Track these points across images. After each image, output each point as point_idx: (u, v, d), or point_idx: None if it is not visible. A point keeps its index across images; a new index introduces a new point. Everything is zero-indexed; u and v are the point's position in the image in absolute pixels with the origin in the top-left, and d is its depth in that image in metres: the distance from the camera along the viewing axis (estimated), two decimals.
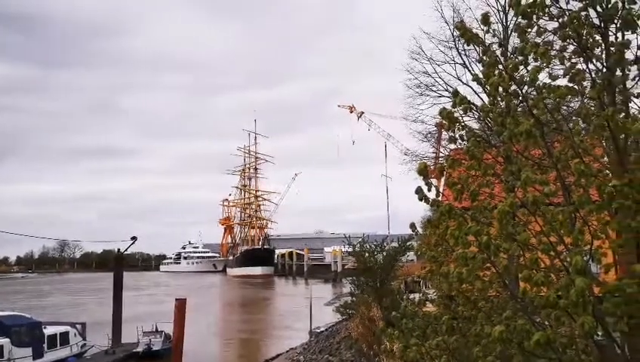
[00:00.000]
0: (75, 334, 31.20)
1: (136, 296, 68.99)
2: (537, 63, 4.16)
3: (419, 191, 4.53)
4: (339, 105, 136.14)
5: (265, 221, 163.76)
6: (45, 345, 28.32)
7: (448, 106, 4.60)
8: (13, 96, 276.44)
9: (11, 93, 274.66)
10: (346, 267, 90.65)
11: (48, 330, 29.24)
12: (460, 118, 4.57)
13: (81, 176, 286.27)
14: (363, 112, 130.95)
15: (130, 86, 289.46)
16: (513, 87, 4.24)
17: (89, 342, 32.49)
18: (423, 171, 4.47)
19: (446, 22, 21.75)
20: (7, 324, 26.78)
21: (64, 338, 30.08)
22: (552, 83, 4.23)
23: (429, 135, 26.18)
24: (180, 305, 25.19)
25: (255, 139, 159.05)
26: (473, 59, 20.36)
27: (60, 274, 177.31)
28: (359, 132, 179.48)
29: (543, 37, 4.42)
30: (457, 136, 4.55)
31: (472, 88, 18.46)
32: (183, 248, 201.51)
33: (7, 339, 26.06)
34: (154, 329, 33.16)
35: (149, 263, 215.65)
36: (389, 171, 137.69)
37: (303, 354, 28.29)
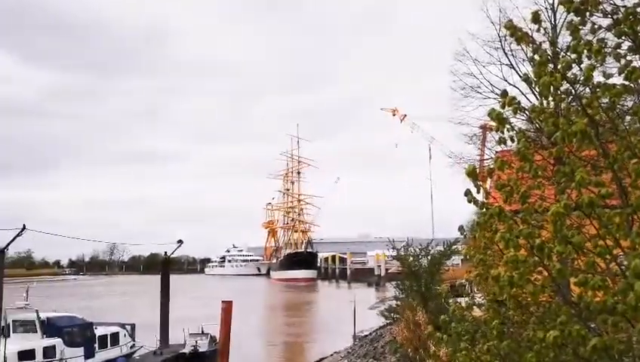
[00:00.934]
0: (124, 335, 31.91)
1: (183, 298, 70.14)
2: (591, 61, 4.05)
3: (468, 193, 4.46)
4: (382, 109, 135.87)
5: (308, 224, 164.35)
6: (96, 345, 29.03)
7: (495, 108, 4.52)
8: (66, 104, 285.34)
9: (64, 100, 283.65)
10: (389, 271, 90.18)
11: (99, 331, 29.96)
12: (509, 118, 4.48)
13: (129, 180, 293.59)
14: (406, 115, 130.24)
15: (175, 92, 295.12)
16: (565, 86, 4.14)
17: (138, 343, 33.19)
18: (472, 173, 4.40)
19: (492, 22, 21.39)
20: (59, 325, 27.56)
21: (114, 339, 30.80)
22: (607, 81, 4.11)
23: (473, 137, 25.77)
24: (227, 308, 25.49)
25: (297, 143, 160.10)
26: (520, 60, 19.95)
27: (109, 277, 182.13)
28: (402, 135, 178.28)
29: (596, 34, 4.30)
30: (507, 137, 4.46)
31: (519, 89, 18.10)
32: (228, 251, 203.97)
33: (60, 339, 26.81)
34: (200, 331, 33.65)
35: (195, 266, 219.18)
36: (433, 175, 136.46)
37: (347, 358, 28.24)
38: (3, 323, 24.13)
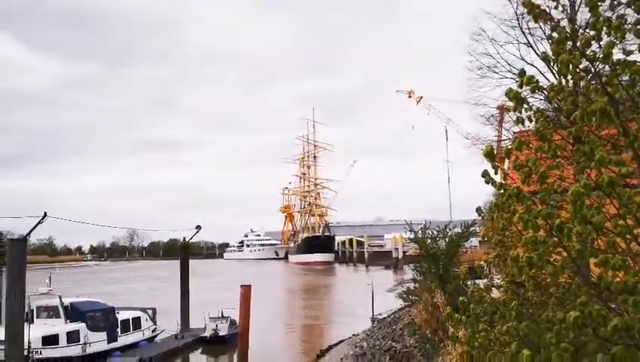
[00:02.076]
0: (146, 319, 32.36)
1: (202, 282, 70.89)
2: (610, 38, 3.97)
3: (485, 174, 4.42)
4: (397, 91, 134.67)
5: (324, 208, 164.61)
6: (119, 330, 29.49)
7: (512, 87, 4.46)
8: (80, 94, 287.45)
9: (77, 90, 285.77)
10: (407, 253, 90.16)
11: (121, 315, 30.41)
12: (527, 98, 4.43)
13: (146, 168, 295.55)
14: (422, 97, 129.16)
15: (189, 80, 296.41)
16: (584, 63, 4.07)
17: (159, 327, 33.66)
18: (490, 154, 4.36)
19: (509, 0, 21.06)
20: (82, 310, 28.01)
21: (136, 323, 31.26)
22: (627, 58, 4.03)
23: (491, 118, 25.54)
24: (246, 291, 25.71)
25: (314, 127, 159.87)
26: (538, 38, 19.66)
27: (129, 262, 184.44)
28: (418, 117, 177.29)
29: (615, 10, 4.21)
30: (525, 117, 4.41)
31: (537, 68, 17.88)
32: (246, 236, 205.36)
33: (83, 324, 27.26)
34: (220, 315, 34.02)
35: (213, 251, 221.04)
36: (450, 156, 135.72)
37: (366, 341, 28.37)
38: (27, 309, 24.56)
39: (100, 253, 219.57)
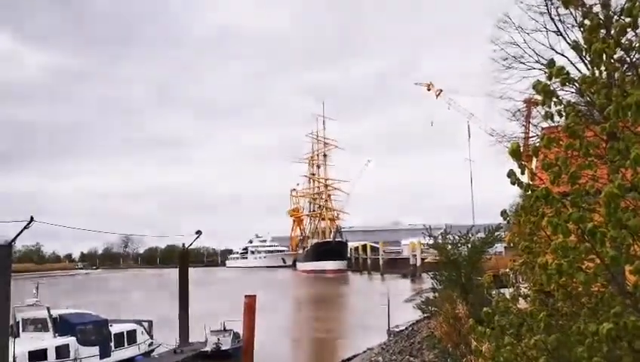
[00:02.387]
0: (142, 332, 32.50)
1: (203, 292, 71.12)
2: None
3: (511, 174, 4.43)
4: (415, 84, 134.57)
5: (336, 212, 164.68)
6: (112, 344, 29.61)
7: (540, 79, 4.47)
8: (73, 87, 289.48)
9: (70, 83, 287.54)
10: (426, 261, 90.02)
11: (115, 328, 30.53)
12: (557, 91, 4.44)
13: (142, 168, 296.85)
14: (442, 90, 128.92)
15: (191, 73, 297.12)
16: (619, 53, 4.07)
17: (156, 341, 33.79)
18: (516, 152, 4.37)
19: None
20: (72, 322, 28.12)
21: (131, 337, 31.39)
22: None
23: (517, 113, 25.52)
24: (250, 302, 25.77)
25: (324, 123, 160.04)
26: (568, 25, 19.61)
27: (124, 270, 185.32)
28: (438, 112, 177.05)
29: None
30: (554, 111, 4.42)
31: (567, 58, 17.86)
32: (250, 242, 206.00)
33: (73, 338, 27.37)
34: (222, 328, 34.11)
35: (215, 258, 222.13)
36: (473, 155, 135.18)
37: (382, 355, 28.38)
38: (12, 322, 24.67)
39: (91, 260, 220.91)
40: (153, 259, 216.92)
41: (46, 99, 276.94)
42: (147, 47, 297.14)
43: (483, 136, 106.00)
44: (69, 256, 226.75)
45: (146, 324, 33.82)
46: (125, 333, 31.01)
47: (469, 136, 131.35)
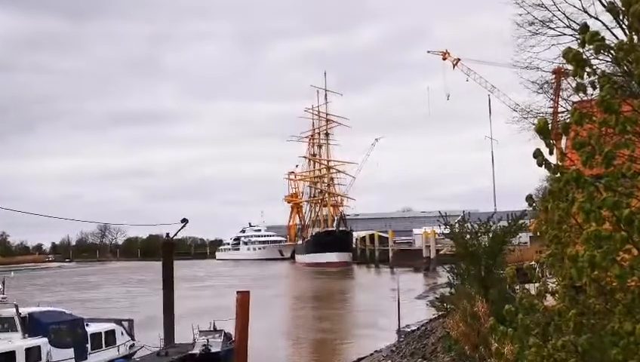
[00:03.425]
0: (122, 333, 32.63)
1: (190, 288, 71.46)
2: None
3: (538, 154, 4.42)
4: (429, 52, 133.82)
5: (340, 197, 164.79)
6: (89, 346, 29.74)
7: (572, 46, 4.45)
8: (39, 55, 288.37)
9: (37, 50, 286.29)
10: (440, 252, 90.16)
11: (91, 328, 30.65)
12: (590, 60, 4.42)
13: (121, 146, 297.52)
14: (459, 59, 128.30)
15: (173, 38, 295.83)
16: None
17: (138, 342, 33.93)
18: (544, 129, 4.36)
19: None
20: (44, 322, 28.19)
21: (110, 338, 31.52)
22: None
23: (545, 85, 25.47)
24: (243, 299, 25.89)
25: (325, 97, 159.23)
26: None
27: (101, 263, 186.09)
28: (455, 84, 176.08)
29: None
30: (587, 83, 4.40)
31: (602, 22, 17.77)
32: (243, 231, 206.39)
33: (45, 339, 27.43)
34: (212, 328, 34.24)
35: (203, 250, 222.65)
36: (494, 133, 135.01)
37: (391, 358, 28.55)
38: None
39: (64, 252, 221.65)
40: (133, 250, 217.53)
41: (5, 70, 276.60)
42: (125, 12, 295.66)
43: (506, 111, 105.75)
44: (38, 248, 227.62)
45: (126, 324, 33.93)
46: (103, 334, 31.14)
47: (490, 112, 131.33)
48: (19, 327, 27.32)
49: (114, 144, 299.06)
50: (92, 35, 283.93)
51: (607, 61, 10.66)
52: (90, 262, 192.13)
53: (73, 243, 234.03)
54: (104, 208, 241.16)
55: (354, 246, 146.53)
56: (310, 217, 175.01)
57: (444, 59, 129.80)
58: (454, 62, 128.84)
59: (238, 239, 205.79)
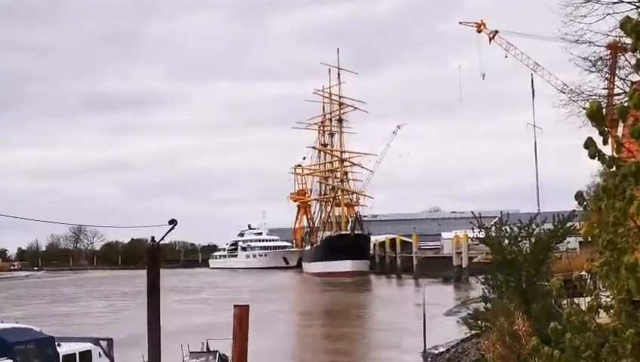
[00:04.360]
0: (99, 354, 32.73)
1: (180, 301, 71.69)
2: None
3: (590, 144, 4.40)
4: (460, 23, 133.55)
5: (355, 195, 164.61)
6: None
7: (631, 16, 4.42)
8: (3, 28, 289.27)
9: (2, 25, 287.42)
10: (474, 260, 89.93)
11: (64, 349, 30.74)
12: None
13: (99, 135, 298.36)
14: (497, 32, 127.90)
15: (159, 8, 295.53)
16: None
17: None
18: (596, 114, 4.34)
19: None
20: (9, 341, 28.27)
21: (85, 359, 31.64)
22: None
23: (598, 62, 25.34)
24: (241, 315, 25.90)
25: (338, 77, 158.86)
26: None
27: (75, 272, 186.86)
28: (492, 62, 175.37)
29: None
30: None
31: None
32: (241, 235, 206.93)
33: (10, 361, 27.63)
34: (204, 349, 34.34)
35: (195, 257, 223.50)
36: (538, 119, 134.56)
37: None
38: None
39: (32, 259, 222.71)
40: (113, 257, 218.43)
41: None
42: None
43: (552, 93, 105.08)
44: (2, 254, 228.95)
45: (104, 343, 34.00)
46: (77, 355, 31.23)
47: (533, 94, 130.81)
48: None
49: (90, 132, 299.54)
50: (65, 5, 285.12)
51: None
52: (63, 271, 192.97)
53: (43, 248, 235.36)
54: (79, 207, 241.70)
55: (372, 252, 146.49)
56: (320, 218, 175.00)
57: (479, 31, 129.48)
58: (491, 36, 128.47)
59: (235, 244, 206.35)
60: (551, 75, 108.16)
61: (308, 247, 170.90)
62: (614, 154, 4.54)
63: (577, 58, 24.89)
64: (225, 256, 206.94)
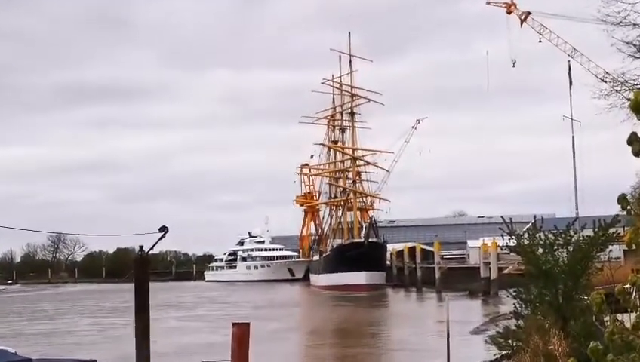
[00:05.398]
0: None
1: (173, 318, 71.68)
2: None
3: (634, 139, 4.40)
4: (488, 3, 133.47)
5: (369, 198, 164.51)
6: None
7: None
8: None
9: None
10: (504, 271, 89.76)
11: None
12: None
13: (79, 131, 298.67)
14: (529, 13, 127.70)
15: None
16: None
17: None
18: None
19: None
20: None
21: None
22: None
23: None
24: (240, 333, 25.98)
25: (350, 65, 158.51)
26: None
27: (54, 286, 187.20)
28: (523, 47, 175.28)
29: None
30: None
31: None
32: (241, 244, 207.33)
33: None
34: None
35: (189, 268, 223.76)
36: (576, 111, 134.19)
37: None
38: None
39: (5, 271, 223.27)
40: (97, 269, 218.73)
41: None
42: None
43: (592, 82, 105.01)
44: None
45: None
46: None
47: (571, 84, 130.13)
48: None
49: (70, 128, 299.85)
50: None
51: None
52: (41, 284, 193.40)
53: (17, 259, 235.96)
54: (58, 213, 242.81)
55: (388, 263, 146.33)
56: (330, 225, 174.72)
57: (509, 12, 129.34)
58: (523, 17, 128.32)
59: (234, 254, 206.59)
60: (590, 62, 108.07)
61: (316, 257, 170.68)
62: None
63: (620, 42, 24.83)
64: (222, 268, 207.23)
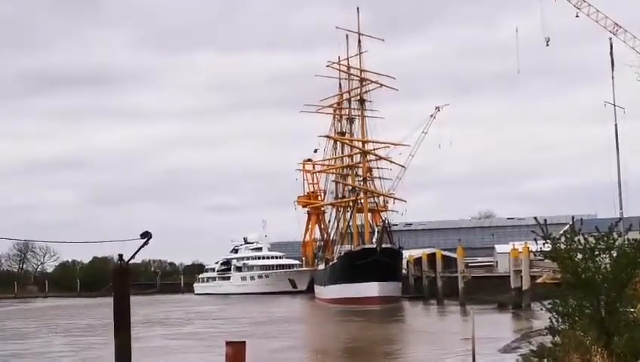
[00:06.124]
0: None
1: (159, 336, 71.81)
2: None
3: None
4: None
5: (382, 198, 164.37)
6: None
7: None
8: None
9: None
10: (538, 281, 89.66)
11: None
12: None
13: (47, 123, 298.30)
14: None
15: None
16: None
17: None
18: None
19: None
20: None
21: None
22: None
23: None
24: (235, 353, 26.11)
25: (359, 46, 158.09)
26: None
27: (22, 301, 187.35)
28: (558, 23, 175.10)
29: None
30: None
31: None
32: (235, 251, 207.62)
33: None
34: None
35: (176, 279, 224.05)
36: (619, 96, 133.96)
37: None
38: None
39: None
40: (70, 281, 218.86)
41: None
42: None
43: (637, 63, 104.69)
44: None
45: None
46: None
47: (613, 65, 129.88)
48: None
49: (36, 120, 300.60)
50: None
51: None
52: (6, 299, 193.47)
53: None
54: (24, 217, 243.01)
55: (404, 272, 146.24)
56: (337, 229, 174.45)
57: None
58: None
59: (227, 263, 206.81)
60: (635, 40, 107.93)
61: (321, 266, 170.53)
62: None
63: None
64: (214, 279, 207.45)
